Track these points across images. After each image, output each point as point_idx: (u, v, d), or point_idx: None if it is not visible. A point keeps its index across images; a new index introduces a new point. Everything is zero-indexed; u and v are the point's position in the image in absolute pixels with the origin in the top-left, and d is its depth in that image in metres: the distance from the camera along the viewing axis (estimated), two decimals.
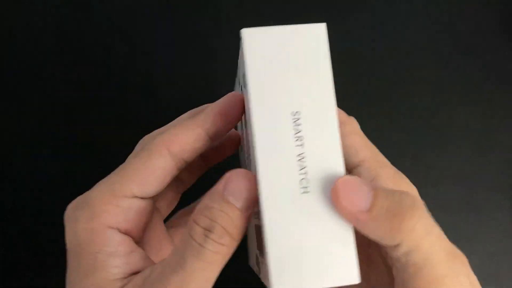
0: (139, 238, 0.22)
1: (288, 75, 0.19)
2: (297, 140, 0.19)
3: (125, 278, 0.20)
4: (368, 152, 0.21)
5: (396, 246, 0.18)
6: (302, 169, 0.19)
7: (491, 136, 0.38)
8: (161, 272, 0.18)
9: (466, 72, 0.39)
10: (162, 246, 0.25)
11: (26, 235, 0.36)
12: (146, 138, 0.24)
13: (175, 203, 0.27)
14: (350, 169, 0.22)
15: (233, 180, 0.19)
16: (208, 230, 0.18)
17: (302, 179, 0.19)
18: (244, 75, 0.20)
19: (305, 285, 0.18)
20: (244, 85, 0.21)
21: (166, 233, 0.26)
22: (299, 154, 0.19)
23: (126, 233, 0.21)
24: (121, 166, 0.21)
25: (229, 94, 0.22)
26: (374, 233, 0.18)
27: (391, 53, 0.40)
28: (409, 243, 0.18)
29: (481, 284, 0.21)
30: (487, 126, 0.38)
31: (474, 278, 0.19)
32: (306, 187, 0.19)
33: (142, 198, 0.21)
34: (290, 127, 0.19)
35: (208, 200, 0.19)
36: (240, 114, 0.22)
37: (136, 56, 0.39)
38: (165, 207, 0.27)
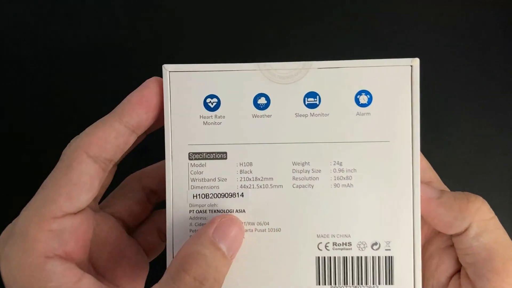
0: (84, 258, 0.20)
1: None
2: None
3: None
4: (432, 174, 0.23)
5: (466, 230, 0.20)
6: None
7: (491, 136, 0.38)
8: None
9: (466, 72, 0.38)
10: (125, 254, 0.23)
11: None
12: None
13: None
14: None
15: (225, 225, 0.19)
16: (200, 282, 0.18)
17: None
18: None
19: None
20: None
21: (123, 234, 0.23)
22: None
23: (67, 258, 0.19)
24: (43, 184, 0.19)
25: (148, 81, 0.21)
26: (445, 218, 0.21)
27: (391, 53, 0.37)
28: (478, 224, 0.20)
29: None
30: (487, 126, 0.38)
31: None
32: None
33: (74, 213, 0.19)
34: None
35: (198, 245, 0.18)
36: (161, 101, 0.20)
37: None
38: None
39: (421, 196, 0.21)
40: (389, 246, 0.20)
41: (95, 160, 0.19)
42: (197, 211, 0.21)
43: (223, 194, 0.20)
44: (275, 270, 0.20)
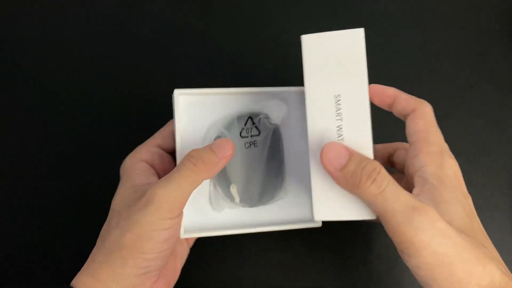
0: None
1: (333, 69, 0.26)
2: (337, 115, 0.25)
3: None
4: (423, 134, 0.26)
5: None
6: (339, 136, 0.25)
7: (491, 136, 0.38)
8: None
9: (466, 73, 0.39)
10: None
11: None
12: (128, 161, 0.30)
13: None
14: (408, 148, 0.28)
15: (222, 141, 0.27)
16: (190, 155, 0.26)
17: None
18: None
19: (342, 217, 0.26)
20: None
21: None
22: (338, 126, 0.25)
23: None
24: None
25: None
26: (344, 187, 0.25)
27: (391, 53, 0.40)
28: (367, 198, 0.24)
29: None
30: (487, 126, 0.38)
31: (444, 225, 0.23)
32: None
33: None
34: (332, 106, 0.25)
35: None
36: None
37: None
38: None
39: (327, 166, 0.25)
40: None
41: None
42: None
43: None
44: None
